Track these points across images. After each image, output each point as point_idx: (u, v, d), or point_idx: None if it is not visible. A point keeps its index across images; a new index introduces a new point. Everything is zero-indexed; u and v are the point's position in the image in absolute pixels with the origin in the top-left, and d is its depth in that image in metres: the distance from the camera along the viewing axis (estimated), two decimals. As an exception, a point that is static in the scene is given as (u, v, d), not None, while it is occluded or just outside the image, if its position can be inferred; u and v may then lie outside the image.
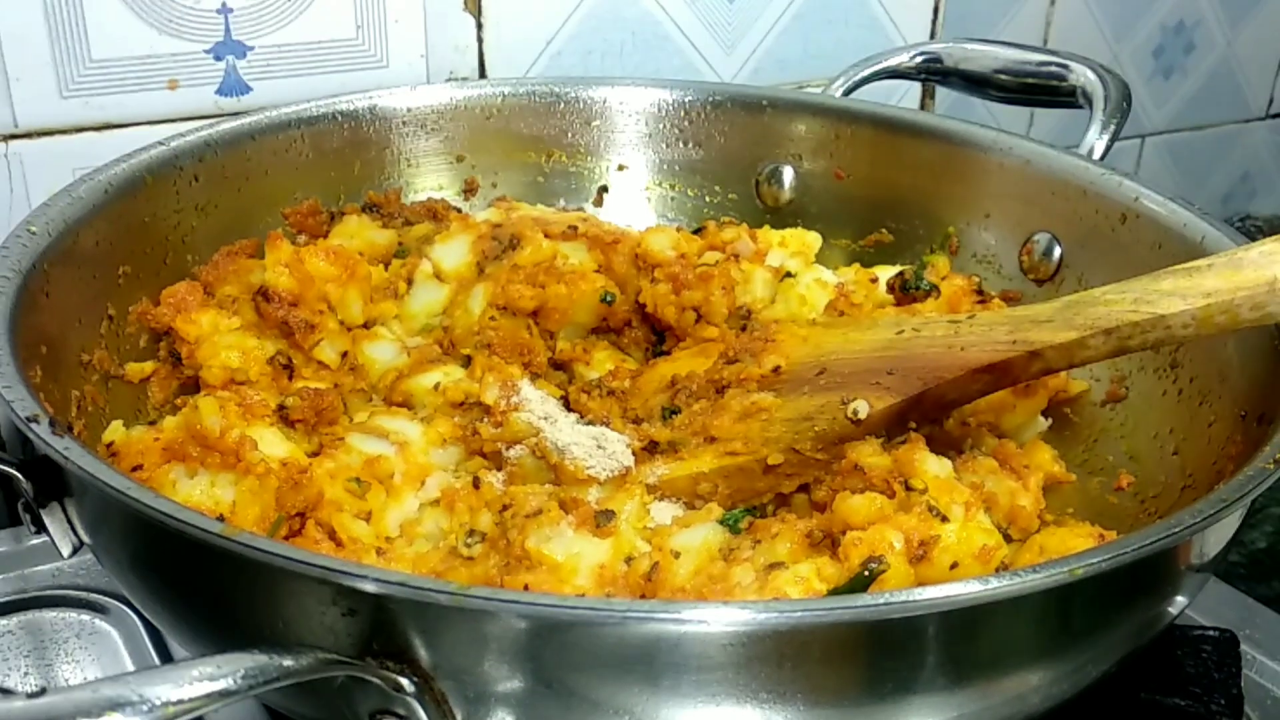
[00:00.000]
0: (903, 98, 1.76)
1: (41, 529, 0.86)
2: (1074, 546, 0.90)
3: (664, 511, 0.98)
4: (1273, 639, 1.13)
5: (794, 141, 1.38)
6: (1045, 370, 0.99)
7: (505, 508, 0.94)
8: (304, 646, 0.70)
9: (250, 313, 1.11)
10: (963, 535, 0.88)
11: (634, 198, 1.41)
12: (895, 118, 1.36)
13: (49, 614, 1.12)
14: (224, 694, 0.64)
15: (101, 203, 1.07)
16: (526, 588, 0.86)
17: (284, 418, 1.03)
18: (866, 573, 0.84)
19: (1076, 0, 1.90)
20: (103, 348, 1.05)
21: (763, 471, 1.00)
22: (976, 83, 1.39)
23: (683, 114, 1.40)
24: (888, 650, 0.73)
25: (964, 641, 0.74)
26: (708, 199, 1.42)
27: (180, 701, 0.62)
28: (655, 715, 0.71)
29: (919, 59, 1.42)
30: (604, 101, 1.39)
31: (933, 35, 1.76)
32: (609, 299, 1.17)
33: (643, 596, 0.87)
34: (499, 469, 1.03)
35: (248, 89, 1.36)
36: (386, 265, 1.22)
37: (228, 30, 1.33)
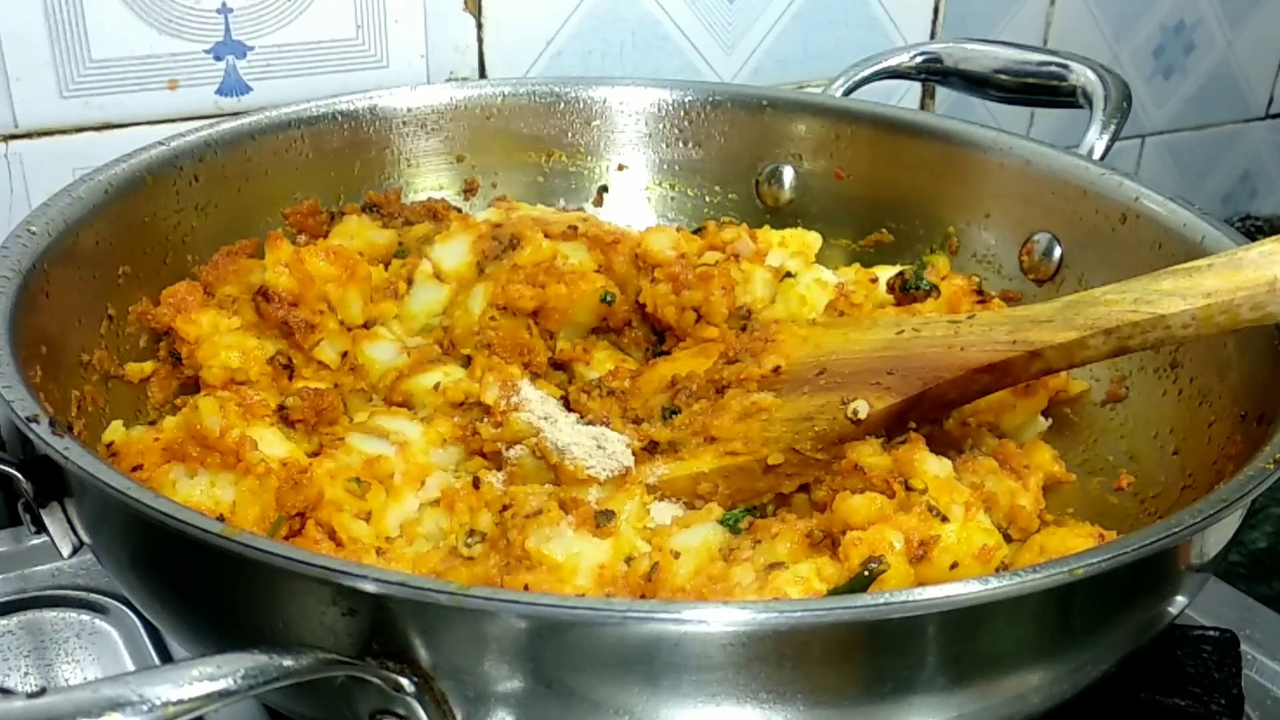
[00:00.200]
0: (903, 98, 1.76)
1: (41, 529, 0.86)
2: (1074, 546, 0.90)
3: (664, 511, 0.98)
4: (1273, 639, 1.13)
5: (794, 141, 1.38)
6: (1045, 370, 0.99)
7: (505, 508, 0.94)
8: (304, 646, 0.70)
9: (250, 313, 1.11)
10: (963, 535, 0.88)
11: (634, 198, 1.41)
12: (895, 118, 1.36)
13: (49, 614, 1.12)
14: (224, 694, 0.64)
15: (101, 203, 1.07)
16: (526, 588, 0.86)
17: (284, 418, 1.03)
18: (866, 573, 0.84)
19: (1076, 0, 1.90)
20: (103, 348, 1.05)
21: (763, 471, 1.00)
22: (976, 83, 1.39)
23: (683, 114, 1.40)
24: (888, 650, 0.73)
25: (964, 641, 0.74)
26: (708, 199, 1.41)
27: (180, 701, 0.62)
28: (655, 715, 0.71)
29: (919, 59, 1.42)
30: (604, 101, 1.39)
31: (933, 35, 1.76)
32: (609, 299, 1.17)
33: (643, 596, 0.87)
34: (499, 469, 1.03)
35: (248, 89, 1.36)
36: (386, 265, 1.22)
37: (228, 30, 1.33)
